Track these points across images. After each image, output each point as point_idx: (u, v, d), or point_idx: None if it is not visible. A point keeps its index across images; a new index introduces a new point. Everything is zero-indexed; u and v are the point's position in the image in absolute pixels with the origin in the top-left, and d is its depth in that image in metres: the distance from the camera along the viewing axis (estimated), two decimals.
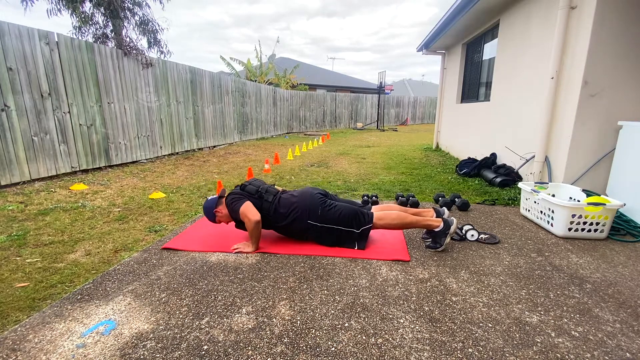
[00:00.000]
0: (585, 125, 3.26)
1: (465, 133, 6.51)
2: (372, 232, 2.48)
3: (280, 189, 2.50)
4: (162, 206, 3.42)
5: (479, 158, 5.18)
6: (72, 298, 1.69)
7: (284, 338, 1.39)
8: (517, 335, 1.42)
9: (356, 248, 2.28)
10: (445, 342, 1.37)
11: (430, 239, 2.34)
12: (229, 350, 1.32)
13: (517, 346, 1.36)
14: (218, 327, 1.46)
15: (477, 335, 1.42)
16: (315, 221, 2.26)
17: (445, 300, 1.68)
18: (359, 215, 2.27)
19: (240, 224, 2.31)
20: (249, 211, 2.18)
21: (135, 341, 1.37)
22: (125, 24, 6.45)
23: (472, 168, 4.85)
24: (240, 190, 2.40)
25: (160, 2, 7.00)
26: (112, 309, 1.59)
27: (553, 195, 2.92)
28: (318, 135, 13.41)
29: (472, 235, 2.46)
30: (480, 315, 1.56)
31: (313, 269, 2.00)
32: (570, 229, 2.50)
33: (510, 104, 4.64)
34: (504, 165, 4.47)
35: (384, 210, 2.37)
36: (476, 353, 1.32)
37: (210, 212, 2.40)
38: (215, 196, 2.47)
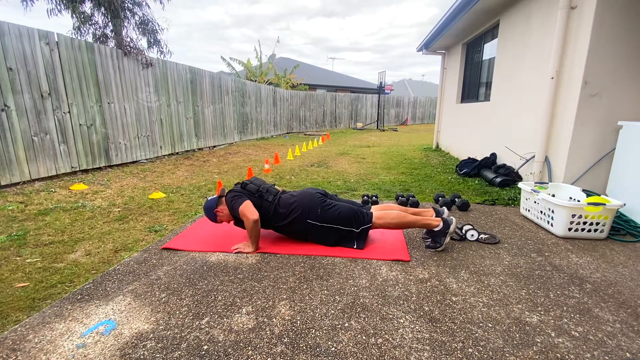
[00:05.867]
0: (585, 125, 3.26)
1: (465, 133, 6.51)
2: (372, 232, 2.49)
3: (280, 189, 2.50)
4: (162, 206, 3.42)
5: (479, 158, 5.17)
6: (72, 298, 1.69)
7: (284, 338, 1.39)
8: (517, 335, 1.42)
9: (355, 247, 2.28)
10: (445, 342, 1.37)
11: (430, 239, 2.34)
12: (229, 350, 1.32)
13: (517, 346, 1.36)
14: (218, 327, 1.46)
15: (477, 335, 1.42)
16: (315, 220, 2.26)
17: (445, 300, 1.68)
18: (359, 215, 2.27)
19: (240, 222, 2.31)
20: (248, 210, 2.18)
21: (135, 341, 1.37)
22: (125, 24, 6.45)
23: (472, 168, 4.85)
24: (241, 188, 2.40)
25: (161, 2, 7.00)
26: (112, 309, 1.59)
27: (553, 195, 2.91)
28: (318, 135, 13.41)
29: (472, 235, 2.46)
30: (480, 315, 1.56)
31: (313, 269, 2.00)
32: (570, 229, 2.50)
33: (510, 104, 4.64)
34: (504, 165, 4.47)
35: (384, 210, 2.37)
36: (476, 353, 1.32)
37: (211, 212, 2.40)
38: (215, 196, 2.47)
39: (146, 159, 6.24)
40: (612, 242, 2.49)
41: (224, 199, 2.43)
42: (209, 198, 2.47)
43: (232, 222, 2.45)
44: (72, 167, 4.77)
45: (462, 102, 7.09)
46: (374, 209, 2.37)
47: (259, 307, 1.61)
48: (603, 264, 2.12)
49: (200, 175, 5.04)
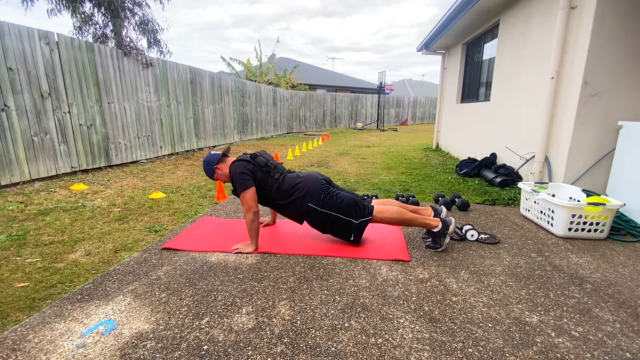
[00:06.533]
0: (585, 125, 3.26)
1: (465, 133, 6.51)
2: (371, 232, 2.49)
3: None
4: (162, 206, 3.42)
5: (479, 158, 5.17)
6: (72, 298, 1.69)
7: (284, 338, 1.39)
8: (517, 335, 1.42)
9: (351, 239, 2.28)
10: (445, 342, 1.37)
11: (430, 239, 2.34)
12: (229, 350, 1.32)
13: (517, 346, 1.36)
14: (218, 327, 1.46)
15: (477, 335, 1.42)
16: (316, 205, 2.26)
17: (445, 300, 1.68)
18: (360, 207, 2.27)
19: (236, 193, 2.29)
20: (250, 199, 2.17)
21: (135, 341, 1.37)
22: (125, 24, 6.45)
23: (472, 168, 4.85)
24: (250, 158, 2.36)
25: (161, 2, 7.00)
26: (112, 309, 1.59)
27: (553, 195, 2.92)
28: (318, 135, 13.41)
29: (472, 235, 2.46)
30: (480, 315, 1.56)
31: (313, 269, 2.00)
32: (570, 229, 2.50)
33: (510, 104, 4.64)
34: (504, 165, 4.47)
35: (384, 205, 2.38)
36: (476, 353, 1.32)
37: (210, 166, 2.39)
38: (219, 152, 2.45)
39: (146, 159, 6.24)
40: (612, 242, 2.49)
41: (227, 158, 2.43)
42: (212, 152, 2.45)
43: (226, 185, 2.40)
44: (72, 167, 4.77)
45: (462, 102, 7.09)
46: (374, 203, 2.37)
47: (259, 307, 1.61)
48: (603, 264, 2.12)
49: (200, 175, 5.04)
